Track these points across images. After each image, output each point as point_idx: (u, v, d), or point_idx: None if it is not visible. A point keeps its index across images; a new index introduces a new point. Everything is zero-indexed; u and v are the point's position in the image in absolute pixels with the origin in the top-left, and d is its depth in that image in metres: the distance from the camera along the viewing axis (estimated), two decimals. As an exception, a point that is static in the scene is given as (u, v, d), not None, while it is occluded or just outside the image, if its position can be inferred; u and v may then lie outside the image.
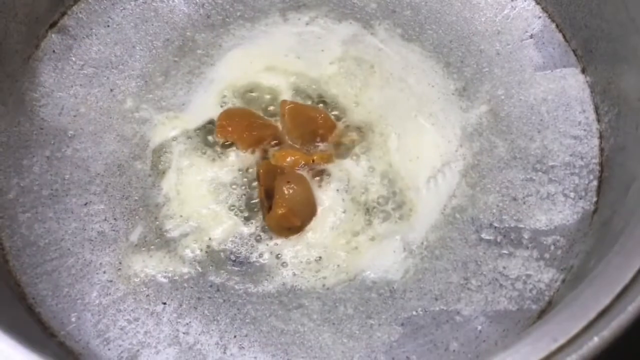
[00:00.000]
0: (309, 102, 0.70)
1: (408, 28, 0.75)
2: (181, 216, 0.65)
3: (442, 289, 0.61)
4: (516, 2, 0.75)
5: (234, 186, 0.66)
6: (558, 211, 0.64)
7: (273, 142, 0.67)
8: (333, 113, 0.69)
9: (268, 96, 0.70)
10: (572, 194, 0.65)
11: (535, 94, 0.70)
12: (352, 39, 0.74)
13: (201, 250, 0.63)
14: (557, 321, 0.44)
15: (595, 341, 0.42)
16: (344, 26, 0.75)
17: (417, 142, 0.68)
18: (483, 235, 0.63)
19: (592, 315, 0.43)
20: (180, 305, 0.61)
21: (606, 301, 0.44)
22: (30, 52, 0.72)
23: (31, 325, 0.59)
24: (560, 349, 0.42)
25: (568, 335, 0.43)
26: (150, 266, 0.63)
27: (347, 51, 0.73)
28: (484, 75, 0.71)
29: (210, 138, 0.68)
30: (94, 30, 0.74)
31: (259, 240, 0.63)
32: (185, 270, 0.63)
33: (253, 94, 0.70)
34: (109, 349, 0.60)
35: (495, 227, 0.64)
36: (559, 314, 0.45)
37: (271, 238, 0.63)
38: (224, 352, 0.59)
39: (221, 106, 0.70)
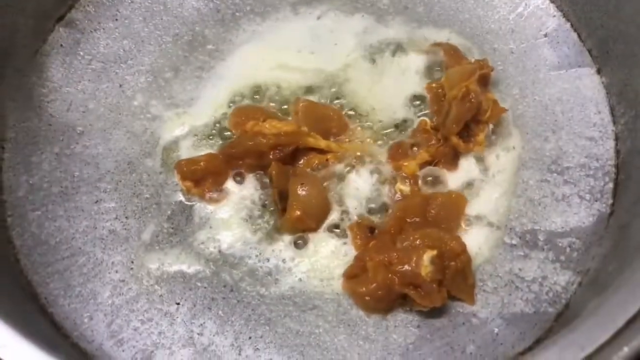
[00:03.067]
0: (323, 98, 0.69)
1: (421, 24, 0.74)
2: (193, 216, 0.64)
3: (458, 291, 0.61)
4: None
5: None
6: (573, 213, 0.64)
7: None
8: (347, 109, 0.68)
9: (281, 92, 0.69)
10: (587, 196, 0.64)
11: (549, 94, 0.69)
12: (365, 32, 0.73)
13: (214, 249, 0.63)
14: (584, 329, 0.44)
15: (625, 351, 0.41)
16: (357, 20, 0.74)
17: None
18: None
19: (620, 323, 0.43)
20: (194, 306, 0.61)
21: (634, 309, 0.44)
22: (37, 46, 0.71)
23: (44, 326, 0.59)
24: (588, 358, 0.42)
25: (596, 344, 0.43)
26: (163, 265, 0.62)
27: (361, 45, 0.72)
28: (497, 74, 0.70)
29: (214, 134, 0.68)
30: (102, 24, 0.73)
31: (268, 242, 0.63)
32: (199, 269, 0.62)
33: (265, 91, 0.70)
34: (122, 350, 0.59)
35: (511, 229, 0.63)
36: (585, 321, 0.45)
37: (276, 243, 0.63)
38: (239, 354, 0.59)
39: (232, 103, 0.69)
